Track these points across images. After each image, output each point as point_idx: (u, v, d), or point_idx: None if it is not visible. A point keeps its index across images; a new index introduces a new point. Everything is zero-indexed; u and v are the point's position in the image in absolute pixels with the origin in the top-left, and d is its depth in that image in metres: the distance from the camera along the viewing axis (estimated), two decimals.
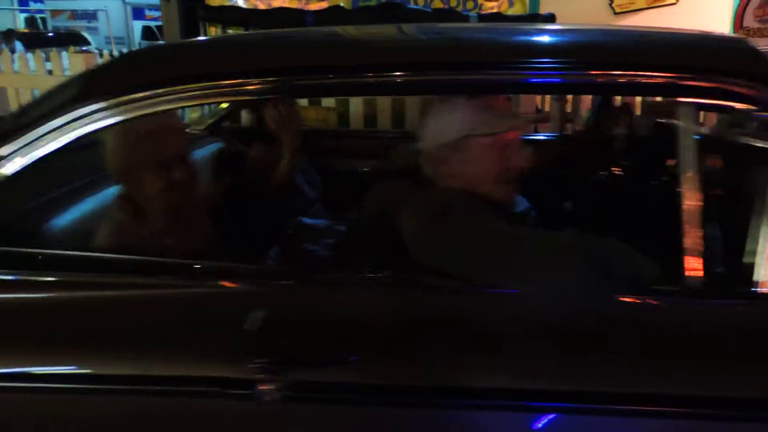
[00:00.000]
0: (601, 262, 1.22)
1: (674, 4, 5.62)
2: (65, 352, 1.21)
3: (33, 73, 4.95)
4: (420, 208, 1.42)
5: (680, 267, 1.15)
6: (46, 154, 1.25)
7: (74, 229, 1.50)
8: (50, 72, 4.87)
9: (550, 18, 4.26)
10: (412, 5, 4.44)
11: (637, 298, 1.18)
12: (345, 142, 2.52)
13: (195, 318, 1.23)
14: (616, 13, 5.71)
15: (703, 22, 5.00)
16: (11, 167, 1.25)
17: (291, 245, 1.73)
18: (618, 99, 2.35)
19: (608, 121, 1.99)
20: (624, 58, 1.22)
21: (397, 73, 1.21)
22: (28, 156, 1.25)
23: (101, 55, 6.08)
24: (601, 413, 1.15)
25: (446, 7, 4.61)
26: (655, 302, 1.18)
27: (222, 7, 5.30)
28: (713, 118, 2.38)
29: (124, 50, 7.77)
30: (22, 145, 1.24)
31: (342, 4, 4.86)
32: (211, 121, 2.64)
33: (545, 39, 1.38)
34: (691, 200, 1.14)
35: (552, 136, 3.10)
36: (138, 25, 17.82)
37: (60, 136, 1.24)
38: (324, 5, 4.85)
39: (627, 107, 2.04)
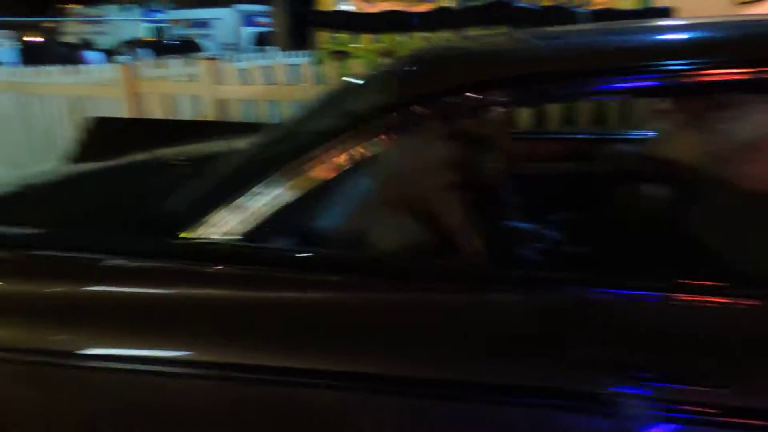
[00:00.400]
0: None
1: None
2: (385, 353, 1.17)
3: (176, 79, 5.39)
4: (732, 211, 1.34)
5: None
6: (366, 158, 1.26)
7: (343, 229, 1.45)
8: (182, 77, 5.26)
9: (667, 12, 4.09)
10: (519, 3, 4.40)
11: None
12: (543, 145, 2.37)
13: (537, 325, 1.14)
14: (738, 3, 5.35)
15: None
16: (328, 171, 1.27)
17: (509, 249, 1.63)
18: None
19: None
20: None
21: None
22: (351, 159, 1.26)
23: (220, 60, 6.47)
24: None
25: (555, 4, 4.53)
26: None
27: (331, 12, 5.49)
28: None
29: (236, 55, 8.21)
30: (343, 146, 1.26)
31: (448, 5, 4.90)
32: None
33: None
34: None
35: None
36: (247, 32, 18.81)
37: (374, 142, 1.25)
38: (430, 7, 4.91)
39: None
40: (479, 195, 1.36)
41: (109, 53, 14.94)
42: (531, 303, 1.15)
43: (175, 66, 6.15)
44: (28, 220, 1.43)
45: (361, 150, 1.24)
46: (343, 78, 2.14)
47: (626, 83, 1.17)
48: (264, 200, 1.26)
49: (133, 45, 15.22)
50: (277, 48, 10.42)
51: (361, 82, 1.54)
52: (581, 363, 1.09)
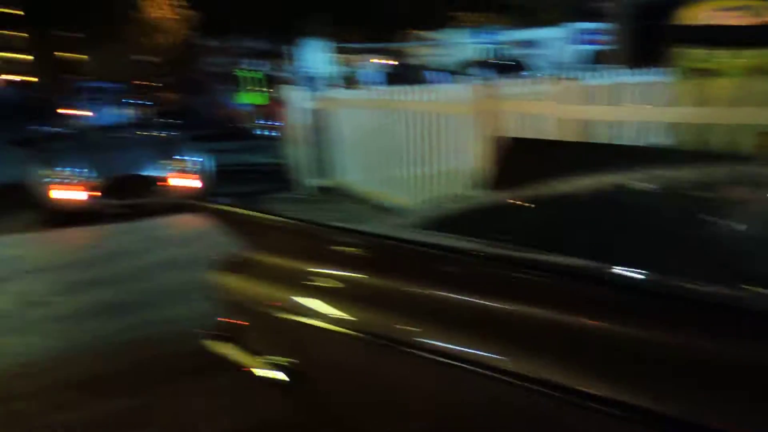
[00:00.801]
0: None
1: None
2: None
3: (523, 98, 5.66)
4: None
5: None
6: None
7: None
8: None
9: None
10: None
11: None
12: None
13: None
14: None
15: None
16: None
17: None
18: None
19: None
20: None
21: None
22: None
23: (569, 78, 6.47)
24: None
25: None
26: None
27: (695, 27, 5.03)
28: None
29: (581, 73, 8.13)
30: None
31: None
32: None
33: None
34: None
35: None
36: (580, 50, 18.62)
37: None
38: None
39: None
40: None
41: (451, 73, 16.35)
42: None
43: (521, 85, 6.36)
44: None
45: None
46: None
47: None
48: None
49: (471, 65, 16.32)
50: (617, 66, 10.07)
51: None
52: None
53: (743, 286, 1.13)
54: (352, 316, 1.32)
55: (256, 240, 1.65)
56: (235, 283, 1.64)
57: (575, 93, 4.30)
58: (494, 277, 1.19)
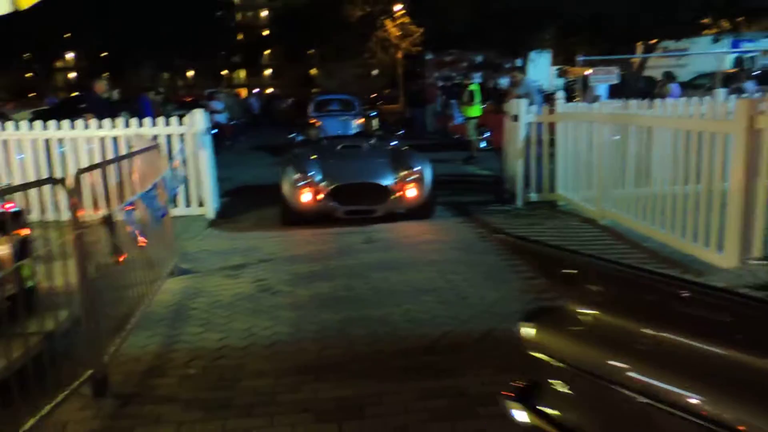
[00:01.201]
0: None
1: None
2: None
3: None
4: None
5: None
6: None
7: None
8: None
9: None
10: None
11: None
12: None
13: None
14: None
15: None
16: None
17: None
18: None
19: None
20: None
21: None
22: None
23: None
24: None
25: None
26: None
27: None
28: None
29: None
30: None
31: None
32: None
33: None
34: None
35: None
36: None
37: None
38: None
39: None
40: None
41: (687, 86, 14.81)
42: None
43: None
44: None
45: None
46: None
47: None
48: None
49: (715, 77, 14.61)
50: None
51: None
52: None
53: None
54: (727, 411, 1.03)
55: (571, 285, 1.44)
56: (544, 337, 1.47)
57: None
58: None
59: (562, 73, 31.59)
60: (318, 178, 6.94)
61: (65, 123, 7.56)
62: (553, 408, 1.38)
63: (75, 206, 2.92)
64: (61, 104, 19.89)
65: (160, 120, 7.71)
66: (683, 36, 16.66)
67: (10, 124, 7.70)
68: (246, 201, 8.86)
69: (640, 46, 18.24)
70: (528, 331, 1.51)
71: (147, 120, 7.72)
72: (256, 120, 29.25)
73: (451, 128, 16.59)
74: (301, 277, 5.12)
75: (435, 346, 3.64)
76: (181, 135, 7.49)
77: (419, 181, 7.01)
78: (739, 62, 16.71)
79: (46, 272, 3.12)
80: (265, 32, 56.49)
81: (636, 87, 14.86)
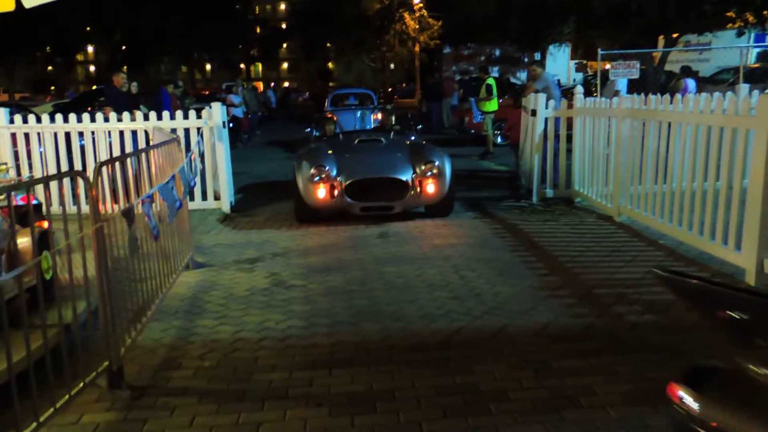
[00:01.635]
0: None
1: None
2: None
3: None
4: None
5: None
6: None
7: None
8: None
9: None
10: None
11: None
12: None
13: None
14: None
15: None
16: None
17: None
18: None
19: None
20: None
21: None
22: None
23: None
24: None
25: None
26: None
27: None
28: None
29: None
30: None
31: None
32: None
33: None
34: None
35: None
36: None
37: None
38: None
39: None
40: None
41: (709, 81, 14.58)
42: None
43: None
44: None
45: None
46: None
47: None
48: None
49: (735, 72, 14.36)
50: None
51: None
52: None
53: None
54: None
55: (742, 333, 1.11)
56: (713, 411, 1.14)
57: None
58: None
59: (580, 68, 31.27)
60: (334, 173, 6.70)
61: (85, 116, 7.65)
62: None
63: (95, 199, 2.95)
64: (81, 97, 20.10)
65: (179, 113, 7.77)
66: (706, 30, 16.35)
67: (32, 117, 7.81)
68: (261, 195, 8.91)
69: (661, 40, 17.96)
70: (689, 400, 1.18)
71: (166, 113, 7.79)
72: (272, 113, 29.36)
73: (470, 124, 16.52)
74: (315, 271, 5.14)
75: (448, 342, 3.64)
76: (199, 128, 7.54)
77: (439, 176, 6.74)
78: (763, 56, 16.40)
79: (64, 264, 3.17)
80: (283, 25, 56.56)
81: (657, 82, 14.66)
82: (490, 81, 13.49)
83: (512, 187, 8.62)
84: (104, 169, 3.23)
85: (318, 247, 5.93)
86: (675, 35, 16.93)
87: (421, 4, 34.46)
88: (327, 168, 6.71)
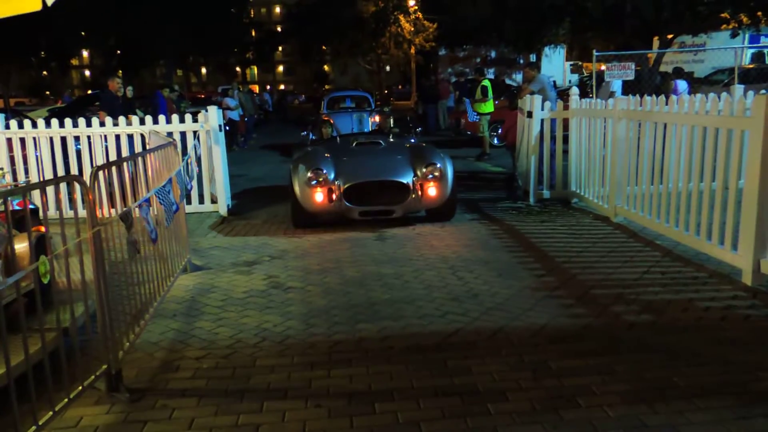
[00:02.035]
0: None
1: None
2: None
3: None
4: None
5: None
6: None
7: None
8: None
9: None
10: None
11: None
12: None
13: None
14: None
15: None
16: None
17: None
18: None
19: None
20: None
21: None
22: None
23: None
24: None
25: None
26: None
27: None
28: None
29: None
30: None
31: None
32: None
33: None
34: None
35: None
36: None
37: None
38: None
39: None
40: None
41: (704, 82, 14.64)
42: None
43: None
44: None
45: None
46: None
47: None
48: None
49: (731, 73, 14.43)
50: None
51: None
52: None
53: None
54: None
55: None
56: None
57: None
58: None
59: (575, 69, 31.36)
60: (332, 176, 6.51)
61: (81, 120, 7.65)
62: None
63: (92, 203, 2.95)
64: (76, 102, 20.08)
65: (175, 117, 7.77)
66: (701, 31, 16.44)
67: (27, 122, 7.79)
68: (258, 198, 8.91)
69: (656, 41, 18.05)
70: None
71: (162, 117, 7.79)
72: (268, 116, 29.37)
73: (465, 126, 16.55)
74: (313, 273, 5.15)
75: (446, 343, 3.65)
76: (195, 132, 7.54)
77: (441, 179, 6.54)
78: (757, 57, 16.48)
79: (62, 268, 3.17)
80: (279, 28, 56.60)
81: (652, 83, 14.72)
82: (486, 83, 13.53)
83: (509, 189, 8.64)
84: (101, 173, 3.23)
85: (315, 249, 5.94)
86: (670, 36, 17.01)
87: (416, 7, 34.55)
88: (324, 171, 6.52)
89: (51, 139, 7.59)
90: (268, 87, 56.19)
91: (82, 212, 2.99)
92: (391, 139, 7.85)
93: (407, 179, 6.54)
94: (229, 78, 44.78)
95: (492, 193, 8.59)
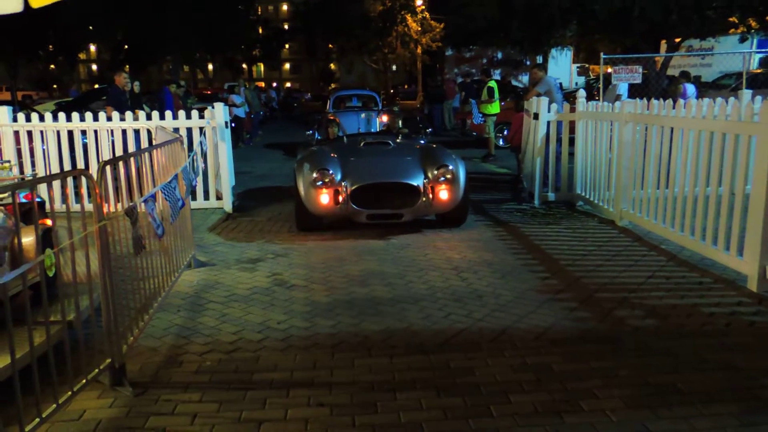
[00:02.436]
0: None
1: None
2: None
3: None
4: None
5: None
6: None
7: None
8: None
9: None
10: None
11: None
12: None
13: None
14: None
15: None
16: None
17: None
18: None
19: None
20: None
21: None
22: None
23: None
24: None
25: None
26: None
27: None
28: None
29: None
30: None
31: None
32: None
33: None
34: None
35: None
36: None
37: None
38: None
39: None
40: None
41: (712, 86, 14.59)
42: None
43: None
44: None
45: None
46: None
47: None
48: None
49: (738, 77, 14.38)
50: None
51: None
52: None
53: None
54: None
55: None
56: None
57: None
58: None
59: (582, 71, 31.27)
60: (338, 177, 6.21)
61: (88, 114, 7.66)
62: None
63: (99, 198, 2.96)
64: (83, 96, 20.14)
65: (181, 113, 7.79)
66: (709, 35, 16.38)
67: (35, 116, 7.82)
68: (263, 195, 8.92)
69: (663, 45, 18.01)
70: None
71: (168, 113, 7.81)
72: (273, 113, 29.39)
73: (471, 126, 16.53)
74: (317, 271, 5.15)
75: (449, 344, 3.65)
76: (201, 128, 7.55)
77: (453, 182, 6.22)
78: (765, 62, 16.42)
79: (67, 262, 3.17)
80: (286, 26, 56.64)
81: (659, 86, 14.68)
82: (492, 84, 13.52)
83: (514, 190, 8.63)
84: (107, 168, 3.24)
85: (320, 247, 5.94)
86: (677, 40, 16.96)
87: (424, 7, 34.53)
88: (331, 172, 6.22)
89: (58, 132, 7.61)
90: (275, 84, 56.22)
91: (88, 206, 3.00)
92: (401, 140, 7.57)
93: (418, 181, 6.25)
94: (236, 75, 44.86)
95: (497, 194, 8.58)
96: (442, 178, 6.24)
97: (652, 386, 3.06)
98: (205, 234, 6.58)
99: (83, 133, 7.71)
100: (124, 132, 7.57)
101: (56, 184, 6.67)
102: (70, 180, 3.11)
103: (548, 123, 7.75)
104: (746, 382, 3.09)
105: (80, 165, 7.60)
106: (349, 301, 4.42)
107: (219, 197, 7.86)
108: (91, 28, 29.97)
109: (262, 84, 47.72)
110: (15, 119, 7.64)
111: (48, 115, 7.76)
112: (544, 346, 3.58)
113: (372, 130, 11.87)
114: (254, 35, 46.98)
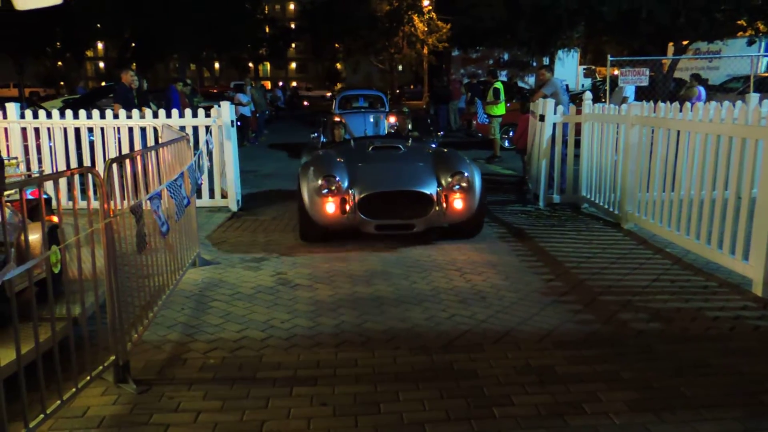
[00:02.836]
0: None
1: None
2: None
3: None
4: None
5: None
6: None
7: None
8: None
9: None
10: None
11: None
12: None
13: None
14: None
15: None
16: None
17: None
18: None
19: None
20: None
21: None
22: None
23: None
24: None
25: None
26: None
27: None
28: None
29: None
30: None
31: None
32: None
33: None
34: None
35: None
36: None
37: None
38: None
39: None
40: None
41: (719, 89, 14.54)
42: None
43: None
44: None
45: None
46: None
47: None
48: None
49: (746, 81, 14.34)
50: None
51: None
52: None
53: None
54: None
55: None
56: None
57: None
58: None
59: (588, 73, 31.19)
60: (345, 184, 5.82)
61: (95, 112, 7.70)
62: None
63: (105, 195, 2.97)
64: (90, 93, 20.21)
65: (188, 112, 7.81)
66: (716, 37, 16.32)
67: (42, 112, 7.85)
68: (269, 194, 8.94)
69: (671, 47, 17.95)
70: None
71: (175, 111, 7.83)
72: (279, 113, 29.42)
73: (477, 127, 16.52)
74: (321, 271, 5.16)
75: (453, 345, 3.65)
76: (208, 127, 7.57)
77: (468, 190, 5.84)
78: None
79: (73, 259, 3.19)
80: (292, 25, 56.69)
81: (666, 89, 14.64)
82: (498, 85, 13.50)
83: (519, 192, 8.62)
84: (114, 165, 3.25)
85: (324, 247, 5.94)
86: (685, 42, 16.90)
87: (430, 7, 34.50)
88: (337, 179, 5.82)
89: (65, 129, 7.65)
90: (281, 83, 56.27)
91: (94, 203, 3.01)
92: (412, 144, 7.08)
93: (430, 190, 5.84)
94: (242, 73, 44.91)
95: (502, 195, 8.57)
96: (457, 186, 5.86)
97: (656, 390, 3.05)
98: (210, 232, 6.59)
99: (90, 130, 7.74)
100: (130, 129, 7.60)
101: (63, 181, 6.74)
102: (76, 177, 3.13)
103: (554, 125, 7.73)
104: (750, 386, 3.08)
105: (87, 162, 7.63)
106: (353, 300, 4.43)
107: (224, 196, 7.88)
108: (98, 25, 30.07)
109: (268, 83, 47.78)
110: (22, 116, 7.68)
111: (55, 112, 7.80)
112: (548, 348, 3.58)
113: (380, 132, 11.47)
114: (261, 34, 46.99)
